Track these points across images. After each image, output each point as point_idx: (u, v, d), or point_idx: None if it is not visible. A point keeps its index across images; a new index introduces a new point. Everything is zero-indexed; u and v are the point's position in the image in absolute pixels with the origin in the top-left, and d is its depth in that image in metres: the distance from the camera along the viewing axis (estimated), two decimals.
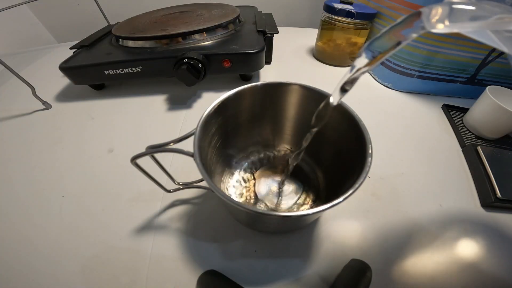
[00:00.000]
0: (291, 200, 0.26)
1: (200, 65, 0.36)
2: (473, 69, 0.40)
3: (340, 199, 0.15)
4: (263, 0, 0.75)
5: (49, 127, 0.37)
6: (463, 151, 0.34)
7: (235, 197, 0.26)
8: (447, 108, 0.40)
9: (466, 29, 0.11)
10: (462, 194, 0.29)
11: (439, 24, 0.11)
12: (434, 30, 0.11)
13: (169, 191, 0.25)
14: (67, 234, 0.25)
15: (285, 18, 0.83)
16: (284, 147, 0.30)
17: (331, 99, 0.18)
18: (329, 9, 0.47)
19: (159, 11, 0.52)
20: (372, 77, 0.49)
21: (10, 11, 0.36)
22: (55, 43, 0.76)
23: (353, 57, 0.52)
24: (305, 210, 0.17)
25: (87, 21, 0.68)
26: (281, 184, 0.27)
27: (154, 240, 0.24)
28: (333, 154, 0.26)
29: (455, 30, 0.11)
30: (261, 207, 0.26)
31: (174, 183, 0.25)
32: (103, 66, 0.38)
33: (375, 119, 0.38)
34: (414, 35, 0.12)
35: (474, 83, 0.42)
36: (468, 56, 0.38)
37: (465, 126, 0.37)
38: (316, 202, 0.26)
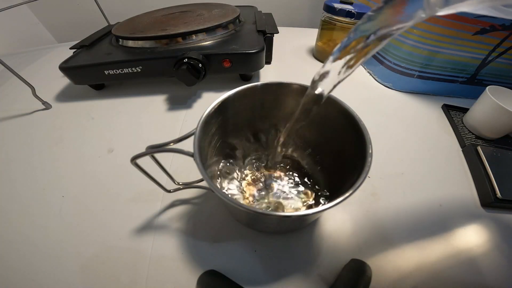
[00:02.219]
0: (291, 200, 0.26)
1: (200, 65, 0.36)
2: (473, 69, 0.40)
3: (340, 199, 0.15)
4: (263, 0, 0.75)
5: (49, 127, 0.37)
6: (463, 151, 0.34)
7: (235, 197, 0.26)
8: (447, 108, 0.40)
9: (464, 9, 0.10)
10: (462, 194, 0.29)
11: (438, 6, 0.10)
12: (436, 14, 0.11)
13: (169, 191, 0.25)
14: (67, 234, 0.25)
15: (285, 18, 0.83)
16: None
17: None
18: (329, 9, 0.47)
19: (159, 11, 0.52)
20: (372, 77, 0.49)
21: (10, 11, 0.36)
22: (55, 43, 0.76)
23: None
24: (305, 210, 0.17)
25: (87, 21, 0.67)
26: (270, 177, 0.27)
27: (154, 240, 0.24)
28: (333, 154, 0.26)
29: (453, 11, 0.10)
30: (261, 206, 0.26)
31: (174, 183, 0.25)
32: (103, 66, 0.38)
33: (375, 119, 0.38)
34: (411, 23, 0.11)
35: (474, 83, 0.42)
36: (468, 56, 0.38)
37: (465, 126, 0.37)
38: (316, 202, 0.26)
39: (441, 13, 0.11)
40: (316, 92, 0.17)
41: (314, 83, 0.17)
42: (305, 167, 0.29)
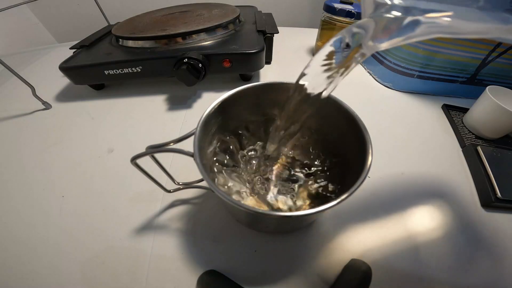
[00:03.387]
0: (291, 199, 0.26)
1: (200, 65, 0.36)
2: (473, 69, 0.40)
3: (340, 199, 0.15)
4: (263, 0, 0.75)
5: (49, 127, 0.37)
6: (463, 151, 0.34)
7: (235, 196, 0.26)
8: (447, 108, 0.40)
9: (399, 44, 0.12)
10: (462, 194, 0.29)
11: (376, 45, 0.12)
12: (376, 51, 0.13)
13: (169, 191, 0.25)
14: (67, 234, 0.25)
15: (285, 18, 0.83)
16: (284, 148, 0.30)
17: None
18: (329, 9, 0.47)
19: (159, 11, 0.52)
20: (372, 77, 0.49)
21: (10, 11, 0.36)
22: (55, 43, 0.76)
23: None
24: (305, 210, 0.17)
25: (87, 21, 0.68)
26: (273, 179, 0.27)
27: (154, 240, 0.24)
28: (333, 154, 0.26)
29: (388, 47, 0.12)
30: (261, 206, 0.26)
31: (174, 183, 0.25)
32: (103, 66, 0.38)
33: (375, 119, 0.38)
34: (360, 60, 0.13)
35: (474, 83, 0.42)
36: (468, 56, 0.38)
37: (465, 126, 0.37)
38: (316, 202, 0.26)
39: (381, 49, 0.12)
40: (302, 94, 0.18)
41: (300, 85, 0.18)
42: (305, 167, 0.29)
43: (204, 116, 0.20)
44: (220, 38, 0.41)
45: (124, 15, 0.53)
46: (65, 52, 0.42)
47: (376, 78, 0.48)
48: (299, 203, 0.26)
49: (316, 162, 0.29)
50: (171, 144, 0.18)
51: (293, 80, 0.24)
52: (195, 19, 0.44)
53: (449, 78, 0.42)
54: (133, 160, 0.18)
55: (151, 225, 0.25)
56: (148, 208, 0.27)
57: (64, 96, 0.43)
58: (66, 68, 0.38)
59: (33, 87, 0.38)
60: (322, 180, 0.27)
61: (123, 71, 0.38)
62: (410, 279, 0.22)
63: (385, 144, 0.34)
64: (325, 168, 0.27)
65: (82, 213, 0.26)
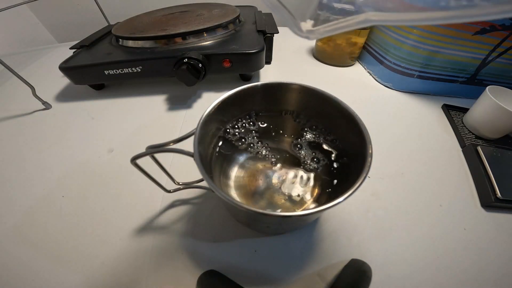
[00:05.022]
0: (291, 198, 0.26)
1: (200, 65, 0.36)
2: (473, 69, 0.40)
3: (340, 199, 0.15)
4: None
5: (49, 127, 0.37)
6: (463, 151, 0.34)
7: (235, 196, 0.26)
8: (447, 108, 0.40)
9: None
10: (462, 194, 0.29)
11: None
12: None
13: (169, 191, 0.25)
14: (67, 234, 0.25)
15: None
16: (284, 147, 0.30)
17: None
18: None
19: (159, 11, 0.52)
20: (372, 77, 0.49)
21: (10, 11, 0.36)
22: (55, 43, 0.76)
23: (353, 57, 0.52)
24: (305, 210, 0.17)
25: (87, 21, 0.68)
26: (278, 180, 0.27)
27: (154, 240, 0.24)
28: (333, 154, 0.26)
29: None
30: (261, 205, 0.26)
31: (174, 183, 0.25)
32: (103, 66, 0.38)
33: (375, 119, 0.38)
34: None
35: (474, 83, 0.42)
36: (468, 56, 0.38)
37: (465, 126, 0.37)
38: (316, 202, 0.26)
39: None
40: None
41: None
42: (306, 166, 0.29)
43: (204, 116, 0.20)
44: (220, 38, 0.41)
45: (124, 15, 0.53)
46: (65, 52, 0.42)
47: (376, 78, 0.48)
48: (299, 202, 0.26)
49: (315, 161, 0.29)
50: (171, 144, 0.18)
51: (293, 80, 0.24)
52: (195, 19, 0.44)
53: (449, 78, 0.42)
54: (133, 160, 0.18)
55: (151, 225, 0.25)
56: (148, 208, 0.27)
57: (64, 96, 0.43)
58: (66, 68, 0.38)
59: (33, 87, 0.38)
60: (322, 179, 0.27)
61: (123, 71, 0.38)
62: (410, 279, 0.22)
63: (385, 144, 0.34)
64: (325, 168, 0.27)
65: (82, 213, 0.26)
